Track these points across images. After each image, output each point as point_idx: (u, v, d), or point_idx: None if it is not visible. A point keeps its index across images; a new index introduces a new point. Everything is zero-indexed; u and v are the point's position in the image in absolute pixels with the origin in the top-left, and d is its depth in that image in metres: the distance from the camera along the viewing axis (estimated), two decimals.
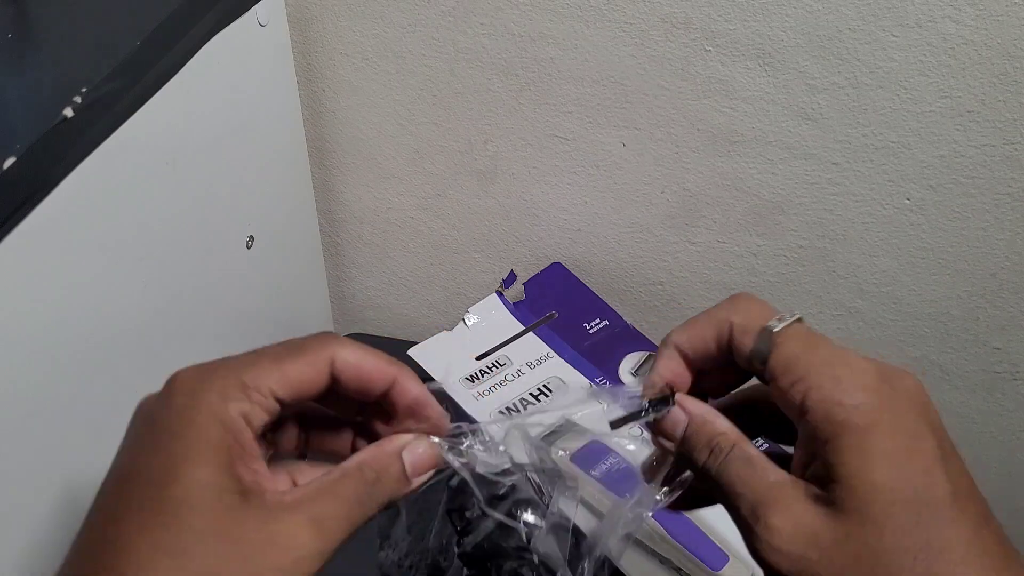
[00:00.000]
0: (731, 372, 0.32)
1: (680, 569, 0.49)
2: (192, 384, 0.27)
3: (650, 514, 0.34)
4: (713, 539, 0.50)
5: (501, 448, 0.32)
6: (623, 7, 0.54)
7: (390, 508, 0.29)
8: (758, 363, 0.29)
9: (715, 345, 0.31)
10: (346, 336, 0.30)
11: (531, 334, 0.62)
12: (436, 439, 0.30)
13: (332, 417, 0.32)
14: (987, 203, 0.56)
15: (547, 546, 0.35)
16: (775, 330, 0.29)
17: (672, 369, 0.32)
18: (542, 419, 0.34)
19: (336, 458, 0.30)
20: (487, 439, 0.31)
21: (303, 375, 0.28)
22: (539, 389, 0.58)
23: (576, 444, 0.49)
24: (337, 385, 0.29)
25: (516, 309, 0.64)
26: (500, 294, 0.65)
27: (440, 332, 0.61)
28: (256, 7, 0.50)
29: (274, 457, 0.31)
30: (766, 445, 0.35)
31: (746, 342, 0.29)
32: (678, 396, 0.31)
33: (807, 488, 0.27)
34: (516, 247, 0.70)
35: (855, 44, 0.52)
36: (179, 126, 0.45)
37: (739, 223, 0.62)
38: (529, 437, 0.33)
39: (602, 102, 0.59)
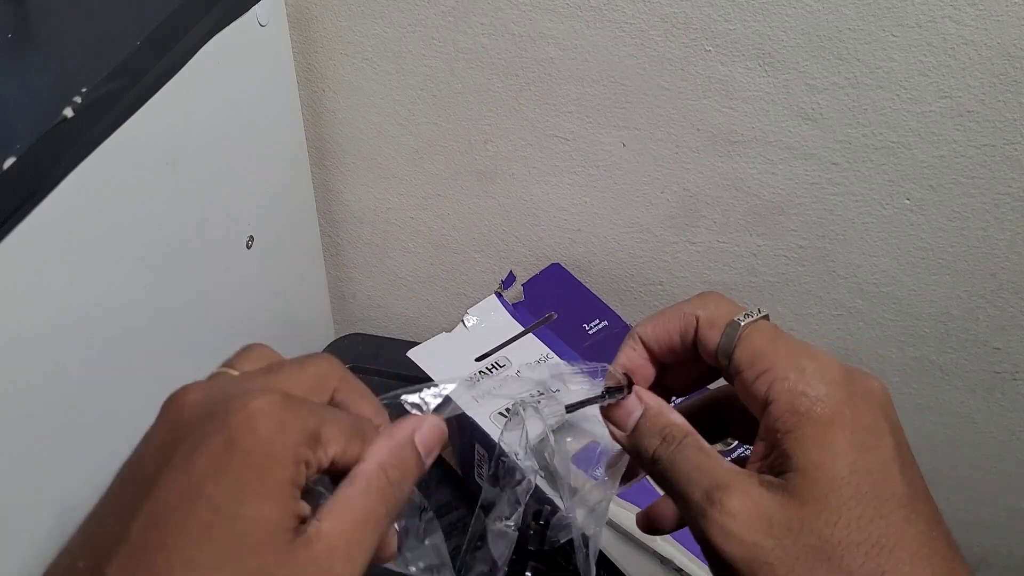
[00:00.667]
0: (695, 369, 0.32)
1: (680, 569, 0.49)
2: (280, 417, 0.26)
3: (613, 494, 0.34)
4: None
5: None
6: (623, 7, 0.54)
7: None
8: (724, 357, 0.29)
9: (680, 339, 0.31)
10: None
11: (530, 335, 0.62)
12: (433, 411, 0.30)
13: None
14: (987, 203, 0.56)
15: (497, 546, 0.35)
16: (742, 324, 0.29)
17: (634, 360, 0.32)
18: (505, 387, 0.34)
19: None
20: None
21: (353, 451, 0.27)
22: (539, 391, 0.58)
23: (577, 445, 0.49)
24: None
25: (515, 310, 0.64)
26: (499, 295, 0.65)
27: (440, 333, 0.61)
28: (256, 7, 0.50)
29: None
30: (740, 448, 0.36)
31: (712, 336, 0.30)
32: (636, 388, 0.31)
33: (762, 477, 0.27)
34: (516, 247, 0.70)
35: (855, 44, 0.52)
36: (179, 126, 0.45)
37: (739, 223, 0.62)
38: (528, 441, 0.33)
39: (602, 102, 0.59)
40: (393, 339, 0.74)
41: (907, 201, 0.58)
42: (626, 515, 0.51)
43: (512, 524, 0.35)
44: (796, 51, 0.53)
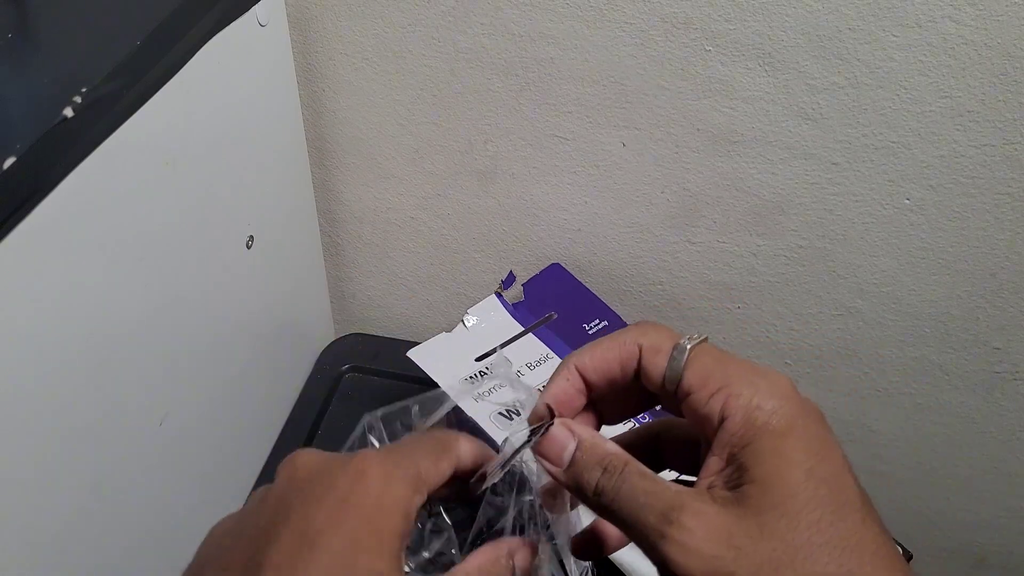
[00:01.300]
0: (627, 399, 0.33)
1: None
2: (387, 469, 0.28)
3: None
4: None
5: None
6: (623, 7, 0.54)
7: None
8: (672, 382, 0.30)
9: (620, 368, 0.31)
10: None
11: (530, 335, 0.62)
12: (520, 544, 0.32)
13: None
14: (987, 203, 0.56)
15: None
16: (688, 347, 0.30)
17: (566, 391, 0.32)
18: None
19: None
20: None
21: (445, 473, 0.30)
22: (539, 391, 0.58)
23: None
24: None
25: (515, 310, 0.64)
26: (499, 295, 0.65)
27: (440, 333, 0.61)
28: (256, 7, 0.50)
29: None
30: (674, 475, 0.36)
31: (659, 361, 0.30)
32: (563, 420, 0.31)
33: (713, 493, 0.27)
34: (516, 247, 0.70)
35: (855, 44, 0.52)
36: (179, 126, 0.45)
37: (739, 223, 0.62)
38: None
39: (602, 102, 0.59)
40: (393, 339, 0.74)
41: (907, 201, 0.58)
42: None
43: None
44: (796, 51, 0.53)
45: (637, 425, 0.34)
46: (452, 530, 0.35)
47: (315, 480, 0.28)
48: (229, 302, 0.55)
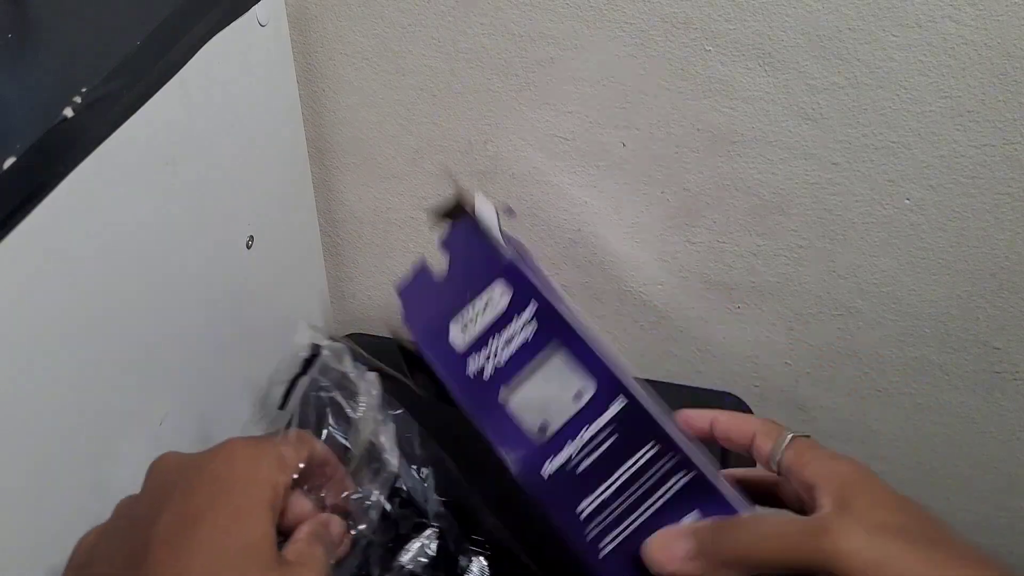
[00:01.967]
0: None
1: None
2: (251, 452, 0.33)
3: None
4: None
5: None
6: (623, 7, 0.54)
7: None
8: (774, 461, 0.37)
9: (739, 437, 0.39)
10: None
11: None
12: None
13: None
14: (987, 203, 0.56)
15: None
16: (789, 437, 0.38)
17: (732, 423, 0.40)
18: None
19: None
20: None
21: (304, 458, 0.36)
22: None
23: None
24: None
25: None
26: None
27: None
28: (256, 7, 0.50)
29: None
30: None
31: (766, 444, 0.38)
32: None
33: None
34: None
35: (855, 44, 0.52)
36: (179, 126, 0.45)
37: (739, 223, 0.62)
38: None
39: (602, 102, 0.59)
40: (393, 339, 0.74)
41: (907, 201, 0.58)
42: None
43: None
44: (796, 51, 0.53)
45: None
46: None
47: (187, 469, 0.32)
48: (229, 302, 0.55)
